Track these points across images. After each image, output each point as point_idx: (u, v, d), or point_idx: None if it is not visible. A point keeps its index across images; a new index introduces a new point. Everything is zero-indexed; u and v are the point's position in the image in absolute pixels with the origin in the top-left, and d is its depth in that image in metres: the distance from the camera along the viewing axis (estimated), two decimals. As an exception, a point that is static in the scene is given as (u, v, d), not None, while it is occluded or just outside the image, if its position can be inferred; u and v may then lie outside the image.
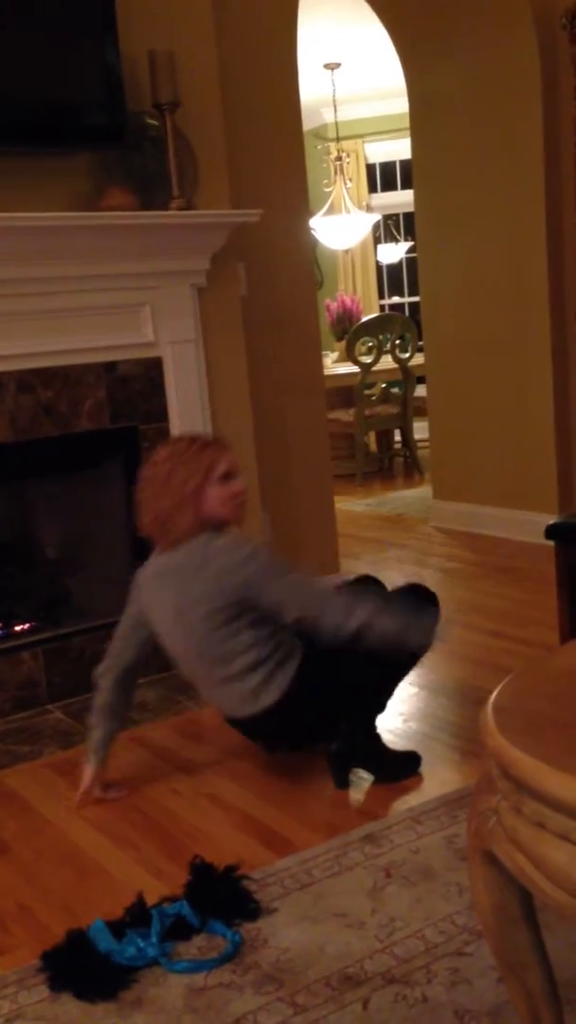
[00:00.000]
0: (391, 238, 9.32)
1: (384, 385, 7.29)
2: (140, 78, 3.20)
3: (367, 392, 7.03)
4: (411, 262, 8.69)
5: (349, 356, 6.88)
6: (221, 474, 2.46)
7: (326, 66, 7.43)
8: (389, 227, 9.37)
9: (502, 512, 5.00)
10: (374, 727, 2.63)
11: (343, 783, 2.56)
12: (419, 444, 7.10)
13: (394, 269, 9.63)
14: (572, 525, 2.88)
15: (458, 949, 1.86)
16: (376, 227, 8.98)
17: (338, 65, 7.45)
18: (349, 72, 7.59)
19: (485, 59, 4.69)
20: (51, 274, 3.10)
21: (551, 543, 2.88)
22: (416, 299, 7.97)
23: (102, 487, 3.49)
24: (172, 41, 3.24)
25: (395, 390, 7.22)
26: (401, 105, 5.60)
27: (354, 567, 4.68)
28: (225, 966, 1.87)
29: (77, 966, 1.88)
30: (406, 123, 5.29)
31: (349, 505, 6.20)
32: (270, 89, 3.87)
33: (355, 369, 6.88)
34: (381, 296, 9.62)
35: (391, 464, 7.65)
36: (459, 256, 5.06)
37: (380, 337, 6.85)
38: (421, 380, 6.26)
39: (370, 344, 6.99)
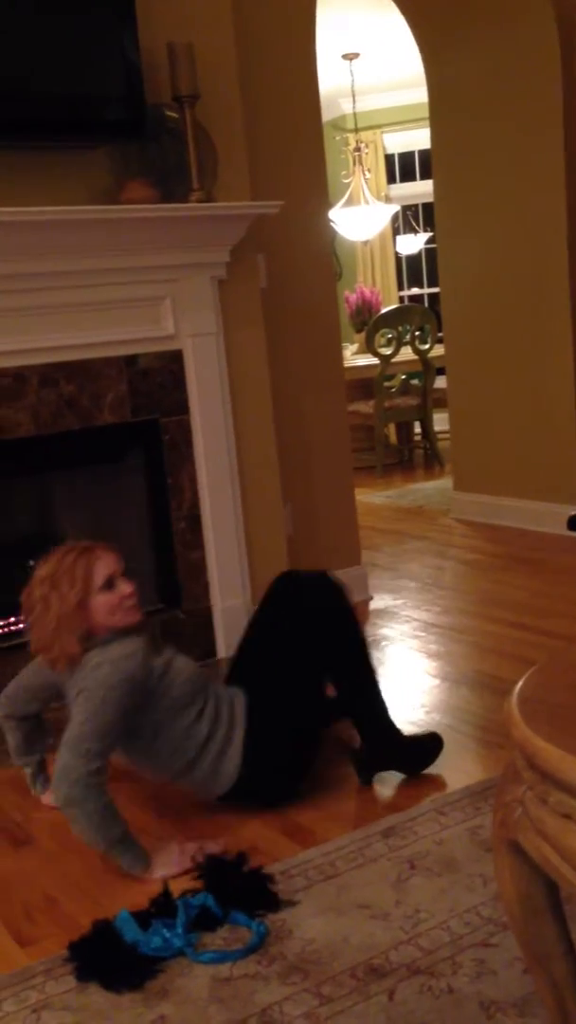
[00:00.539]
0: (410, 229, 9.30)
1: (404, 377, 7.26)
2: (159, 70, 3.19)
3: (387, 384, 7.00)
4: (430, 253, 8.67)
5: (368, 348, 6.86)
6: (102, 582, 2.31)
7: (344, 56, 7.42)
8: (408, 218, 9.34)
9: (523, 503, 4.98)
10: (389, 724, 2.55)
11: (368, 782, 2.55)
12: (439, 436, 7.07)
13: (413, 260, 9.60)
14: (595, 516, 2.87)
15: (483, 940, 1.86)
16: (395, 218, 8.95)
17: (357, 55, 7.44)
18: (368, 62, 7.57)
19: (504, 48, 4.67)
20: (71, 268, 3.11)
21: (573, 534, 2.88)
22: (436, 290, 7.95)
23: (124, 480, 3.50)
24: (191, 33, 3.24)
25: (415, 381, 7.19)
26: (420, 95, 5.58)
27: (374, 559, 4.69)
28: (250, 957, 1.88)
29: (103, 956, 1.89)
30: (425, 113, 5.27)
31: (369, 497, 6.20)
32: (289, 80, 3.86)
33: (374, 361, 6.86)
34: (400, 287, 9.59)
35: (411, 456, 7.63)
36: (479, 246, 5.04)
37: (399, 328, 6.82)
38: (441, 371, 6.24)
39: (389, 336, 6.97)
